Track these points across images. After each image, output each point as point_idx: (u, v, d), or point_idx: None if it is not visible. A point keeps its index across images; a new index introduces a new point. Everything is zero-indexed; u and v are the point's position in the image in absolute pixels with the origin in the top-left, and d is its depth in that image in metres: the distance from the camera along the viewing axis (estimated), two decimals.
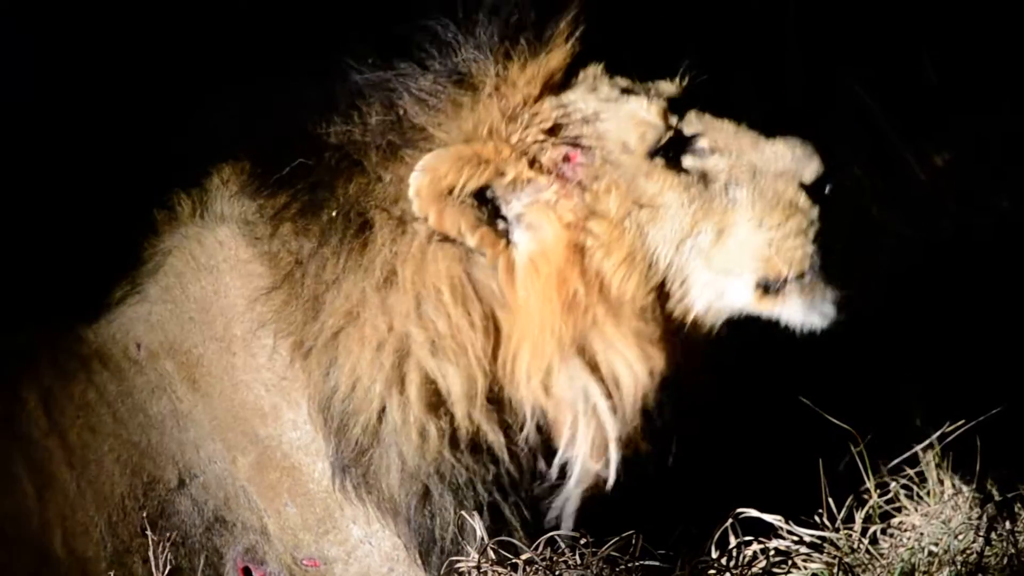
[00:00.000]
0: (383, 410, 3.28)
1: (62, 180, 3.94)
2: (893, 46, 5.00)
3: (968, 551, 3.49)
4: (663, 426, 3.34)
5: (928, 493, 3.66)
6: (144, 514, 3.33)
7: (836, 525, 3.54)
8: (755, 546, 3.48)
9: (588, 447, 3.32)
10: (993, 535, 3.52)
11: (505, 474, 3.32)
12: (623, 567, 3.31)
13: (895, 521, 3.62)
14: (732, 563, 3.46)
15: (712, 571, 3.44)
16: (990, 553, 3.49)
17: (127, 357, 3.43)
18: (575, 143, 3.30)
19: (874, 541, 3.56)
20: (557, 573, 3.28)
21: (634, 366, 3.29)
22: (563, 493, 3.36)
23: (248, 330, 3.36)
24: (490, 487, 3.31)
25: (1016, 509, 3.62)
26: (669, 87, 3.42)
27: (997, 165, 4.96)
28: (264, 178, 3.35)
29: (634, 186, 3.29)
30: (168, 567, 3.28)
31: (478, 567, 3.27)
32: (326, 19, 4.03)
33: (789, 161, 3.34)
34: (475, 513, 3.29)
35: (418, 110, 3.26)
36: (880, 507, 3.61)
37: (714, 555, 3.47)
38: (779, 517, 3.49)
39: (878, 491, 3.61)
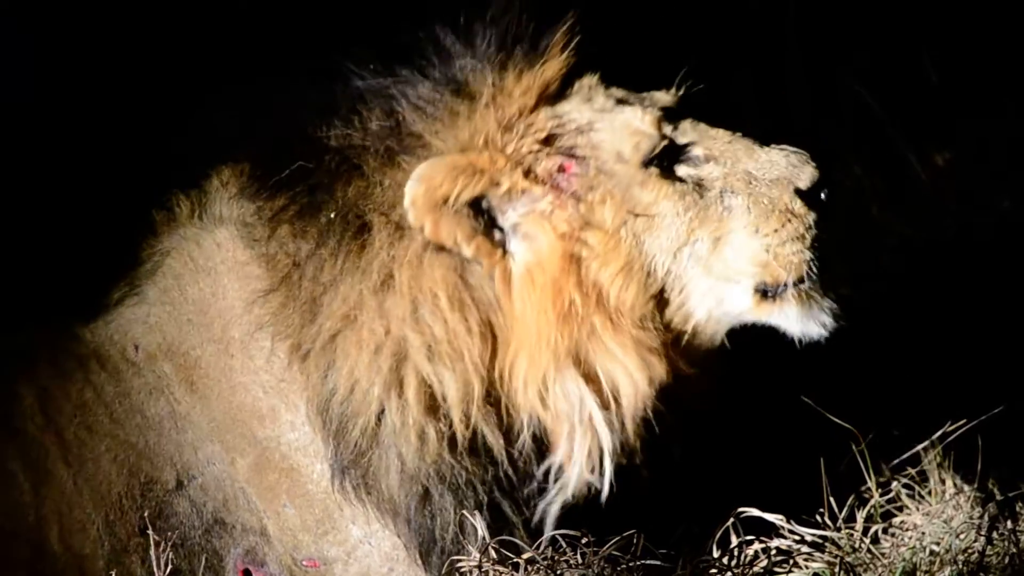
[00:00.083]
0: (382, 412, 3.27)
1: (61, 180, 3.94)
2: (893, 46, 5.01)
3: (970, 550, 3.48)
4: (663, 433, 3.33)
5: (929, 492, 3.66)
6: (142, 514, 3.32)
7: (838, 524, 3.53)
8: (756, 545, 3.48)
9: (583, 459, 3.31)
10: (994, 534, 3.52)
11: (504, 475, 3.32)
12: (624, 566, 3.30)
13: (896, 520, 3.62)
14: (733, 562, 3.46)
15: (713, 570, 3.43)
16: (991, 552, 3.49)
17: (125, 358, 3.43)
18: (570, 153, 3.30)
19: (875, 540, 3.55)
20: (559, 572, 3.28)
21: (634, 375, 3.28)
22: (546, 497, 3.35)
23: (246, 332, 3.36)
24: (490, 487, 3.31)
25: (1017, 508, 3.62)
26: (664, 97, 3.43)
27: (997, 165, 4.96)
28: (263, 180, 3.34)
29: (629, 196, 3.29)
30: (168, 568, 3.28)
31: (479, 566, 3.27)
32: (326, 19, 4.04)
33: (784, 168, 3.34)
34: (476, 513, 3.29)
35: (416, 117, 3.27)
36: (881, 506, 3.60)
37: (715, 554, 3.47)
38: (781, 516, 3.49)
39: (879, 490, 3.61)
